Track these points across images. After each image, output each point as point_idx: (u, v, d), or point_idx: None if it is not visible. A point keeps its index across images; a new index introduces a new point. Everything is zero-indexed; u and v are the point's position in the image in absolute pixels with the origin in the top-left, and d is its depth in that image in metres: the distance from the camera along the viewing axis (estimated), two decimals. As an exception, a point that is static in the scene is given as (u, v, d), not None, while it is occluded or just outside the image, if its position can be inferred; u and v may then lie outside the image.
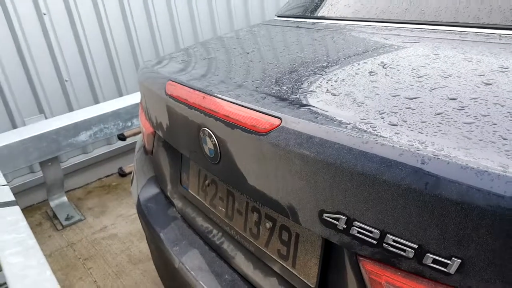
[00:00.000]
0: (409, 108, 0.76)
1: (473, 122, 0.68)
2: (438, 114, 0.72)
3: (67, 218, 2.84)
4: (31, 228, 1.60)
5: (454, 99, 0.76)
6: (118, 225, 2.76)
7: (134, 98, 3.06)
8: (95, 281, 2.25)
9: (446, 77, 0.86)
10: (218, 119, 0.94)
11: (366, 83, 0.88)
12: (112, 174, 3.52)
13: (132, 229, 2.68)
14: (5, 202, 1.70)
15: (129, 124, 3.05)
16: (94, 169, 3.44)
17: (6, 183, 1.88)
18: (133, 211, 2.89)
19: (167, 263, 1.27)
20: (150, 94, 1.30)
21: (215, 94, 0.97)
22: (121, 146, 3.51)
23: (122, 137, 3.20)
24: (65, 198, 3.03)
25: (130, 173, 3.41)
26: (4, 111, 2.90)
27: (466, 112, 0.71)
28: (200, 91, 1.02)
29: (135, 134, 3.22)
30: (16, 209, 1.65)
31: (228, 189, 1.14)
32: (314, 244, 0.87)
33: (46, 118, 3.00)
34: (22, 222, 1.55)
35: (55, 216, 2.91)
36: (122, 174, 3.49)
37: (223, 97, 0.95)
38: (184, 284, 1.18)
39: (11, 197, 1.74)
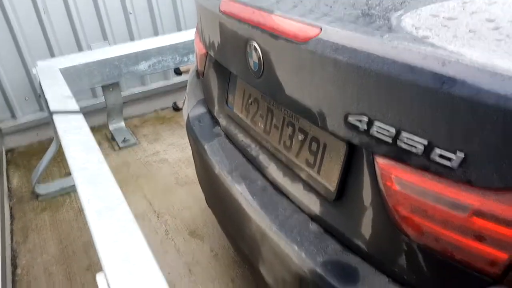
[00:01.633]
0: (445, 26, 0.79)
1: (503, 39, 0.70)
2: (472, 31, 0.75)
3: (124, 141, 3.10)
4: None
5: (491, 21, 0.79)
6: (169, 151, 2.97)
7: (192, 33, 3.16)
8: (145, 195, 2.49)
9: (491, 4, 0.87)
10: (264, 31, 1.01)
11: (408, 4, 0.91)
12: (167, 108, 3.73)
13: (181, 156, 2.88)
14: (71, 110, 1.91)
15: (186, 59, 3.17)
16: (150, 101, 3.66)
17: (72, 96, 2.09)
18: (184, 141, 3.08)
19: (208, 170, 1.41)
20: (205, 14, 1.38)
21: (264, 8, 1.04)
22: (176, 82, 3.68)
23: (178, 72, 3.36)
24: (123, 123, 3.29)
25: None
26: (72, 35, 3.14)
27: (500, 32, 0.73)
28: (250, 6, 1.09)
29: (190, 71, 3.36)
30: (80, 116, 1.85)
31: (268, 107, 1.23)
32: (338, 152, 0.95)
33: (109, 45, 3.21)
34: (85, 128, 1.75)
35: (113, 138, 3.18)
36: (176, 108, 3.69)
37: (270, 11, 1.02)
38: (221, 188, 1.31)
39: (76, 107, 1.95)
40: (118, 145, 3.08)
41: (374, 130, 0.77)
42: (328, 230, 1.00)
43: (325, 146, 1.00)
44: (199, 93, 1.74)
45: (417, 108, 0.69)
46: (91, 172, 1.42)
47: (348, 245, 0.95)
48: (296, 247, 0.98)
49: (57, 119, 1.85)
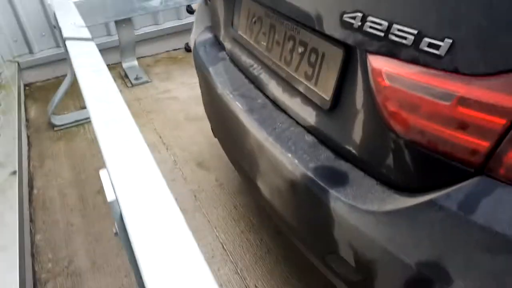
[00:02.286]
0: None
1: None
2: None
3: (136, 78, 3.13)
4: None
5: None
6: (180, 90, 2.99)
7: (205, -30, 3.09)
8: (155, 128, 2.54)
9: None
10: None
11: None
12: (179, 49, 3.71)
13: (192, 94, 2.91)
14: (84, 37, 1.93)
15: (199, -4, 3.12)
16: (163, 41, 3.64)
17: (85, 25, 2.10)
18: (195, 80, 3.07)
19: (213, 93, 1.43)
20: None
21: None
22: (189, 22, 3.64)
23: (190, 10, 3.31)
24: (135, 62, 3.30)
25: (196, 49, 3.58)
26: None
27: None
28: None
29: (203, 10, 3.30)
30: (92, 43, 1.87)
31: (271, 23, 1.22)
32: (335, 60, 0.94)
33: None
34: (96, 53, 1.77)
35: (126, 76, 3.21)
36: (188, 49, 3.67)
37: None
38: (225, 110, 1.33)
39: (89, 35, 1.96)
40: (131, 82, 3.11)
41: (367, 26, 0.76)
42: (322, 140, 1.03)
43: (323, 56, 1.00)
44: (206, 20, 1.73)
45: (410, -3, 0.68)
46: (100, 91, 1.46)
47: (340, 152, 0.97)
48: (290, 155, 1.01)
49: (69, 44, 1.88)
